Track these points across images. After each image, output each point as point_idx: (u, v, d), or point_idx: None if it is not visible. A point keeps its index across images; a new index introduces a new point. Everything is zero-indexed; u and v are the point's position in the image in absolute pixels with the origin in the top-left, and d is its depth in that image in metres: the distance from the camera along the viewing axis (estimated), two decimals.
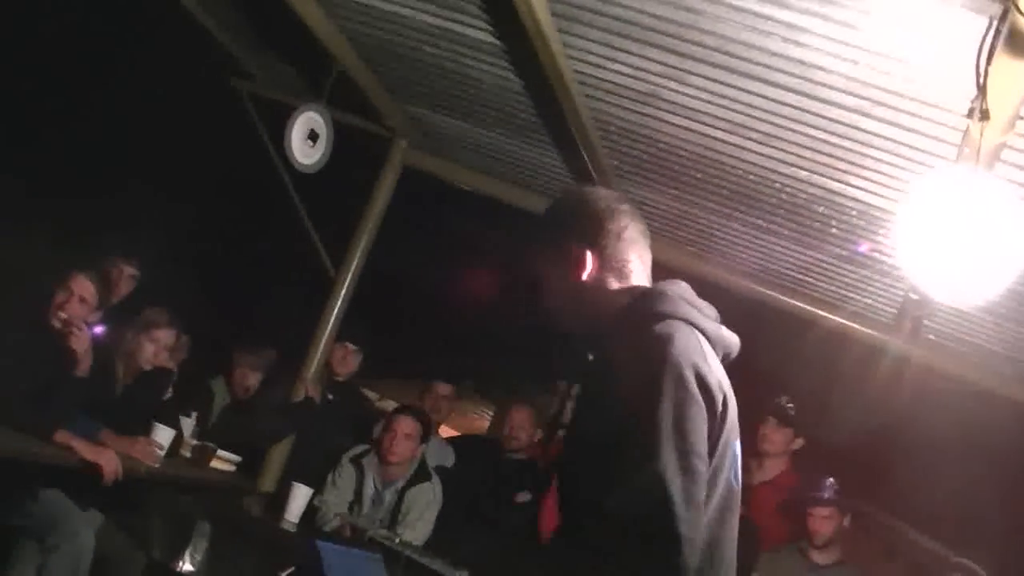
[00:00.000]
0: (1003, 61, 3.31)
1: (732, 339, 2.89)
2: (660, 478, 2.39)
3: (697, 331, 2.72)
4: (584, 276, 2.89)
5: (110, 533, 6.20)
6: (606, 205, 2.96)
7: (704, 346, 2.69)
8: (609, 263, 2.91)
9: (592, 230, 2.92)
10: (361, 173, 7.72)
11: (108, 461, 5.61)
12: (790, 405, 6.99)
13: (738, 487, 2.77)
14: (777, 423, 6.94)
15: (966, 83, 3.72)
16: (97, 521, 6.11)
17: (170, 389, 6.88)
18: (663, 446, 2.42)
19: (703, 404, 2.53)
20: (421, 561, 6.03)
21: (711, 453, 2.56)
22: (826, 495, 6.52)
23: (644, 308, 2.76)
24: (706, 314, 2.82)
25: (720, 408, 2.62)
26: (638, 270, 2.96)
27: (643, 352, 2.58)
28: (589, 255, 2.90)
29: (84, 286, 5.89)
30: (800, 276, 7.17)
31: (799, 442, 6.98)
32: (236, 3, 6.77)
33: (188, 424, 7.09)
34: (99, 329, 6.25)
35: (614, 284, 2.91)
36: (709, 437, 2.54)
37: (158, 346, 6.48)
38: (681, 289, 2.85)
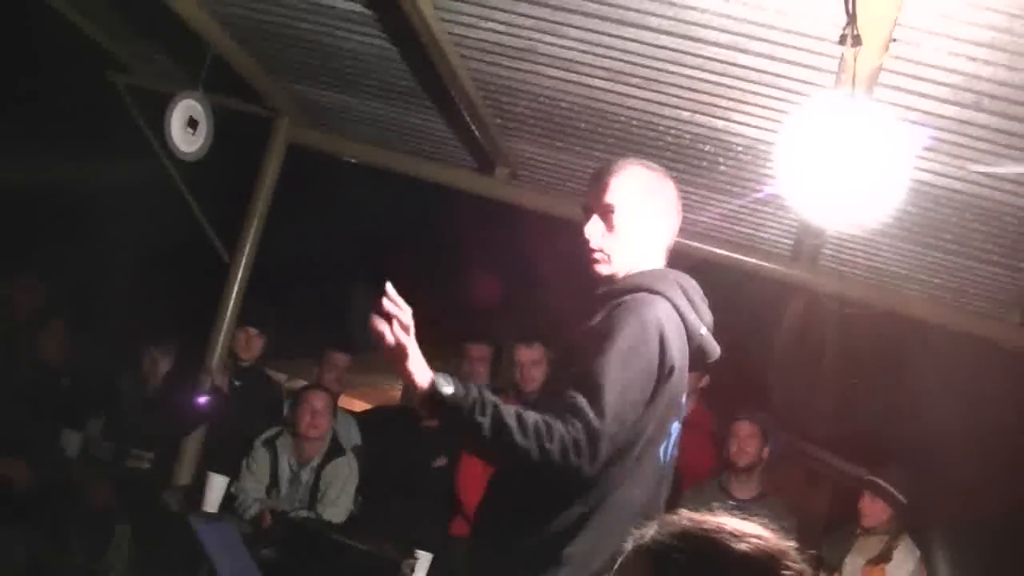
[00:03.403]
0: None
1: (710, 344, 3.38)
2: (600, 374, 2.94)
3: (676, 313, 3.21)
4: (604, 230, 3.35)
5: (38, 543, 6.13)
6: (646, 182, 3.40)
7: (677, 325, 3.18)
8: (622, 227, 3.34)
9: (620, 194, 3.36)
10: (251, 156, 7.62)
11: (16, 471, 5.52)
12: None
13: (665, 462, 3.23)
14: None
15: (838, 11, 3.75)
16: (23, 532, 6.03)
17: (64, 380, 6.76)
18: (612, 358, 2.97)
19: (654, 361, 3.05)
20: (352, 544, 5.99)
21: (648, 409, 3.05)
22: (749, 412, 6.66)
23: (645, 282, 3.27)
24: (695, 305, 3.31)
25: (667, 372, 3.08)
26: (646, 243, 3.40)
27: (634, 310, 3.11)
28: (615, 212, 3.35)
29: None
30: (696, 217, 7.18)
31: (705, 379, 7.03)
32: None
33: (96, 425, 6.99)
34: None
35: (622, 252, 3.37)
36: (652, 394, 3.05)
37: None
38: (684, 280, 3.34)
